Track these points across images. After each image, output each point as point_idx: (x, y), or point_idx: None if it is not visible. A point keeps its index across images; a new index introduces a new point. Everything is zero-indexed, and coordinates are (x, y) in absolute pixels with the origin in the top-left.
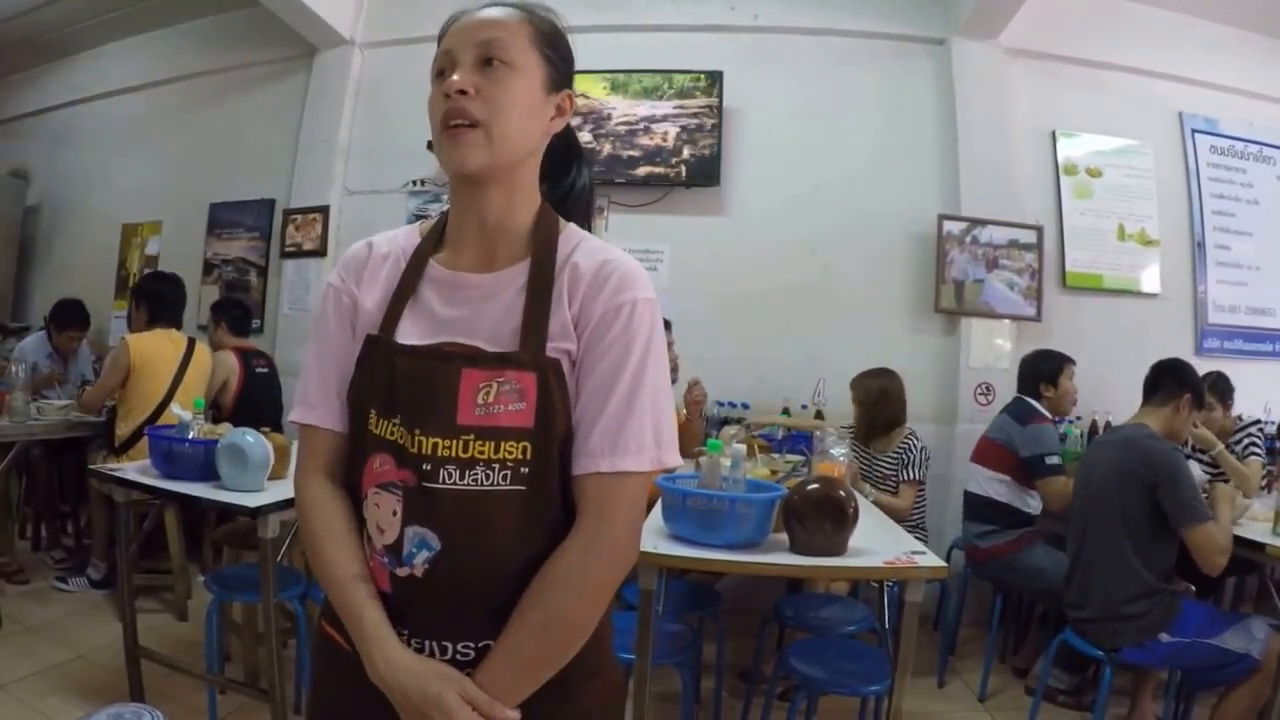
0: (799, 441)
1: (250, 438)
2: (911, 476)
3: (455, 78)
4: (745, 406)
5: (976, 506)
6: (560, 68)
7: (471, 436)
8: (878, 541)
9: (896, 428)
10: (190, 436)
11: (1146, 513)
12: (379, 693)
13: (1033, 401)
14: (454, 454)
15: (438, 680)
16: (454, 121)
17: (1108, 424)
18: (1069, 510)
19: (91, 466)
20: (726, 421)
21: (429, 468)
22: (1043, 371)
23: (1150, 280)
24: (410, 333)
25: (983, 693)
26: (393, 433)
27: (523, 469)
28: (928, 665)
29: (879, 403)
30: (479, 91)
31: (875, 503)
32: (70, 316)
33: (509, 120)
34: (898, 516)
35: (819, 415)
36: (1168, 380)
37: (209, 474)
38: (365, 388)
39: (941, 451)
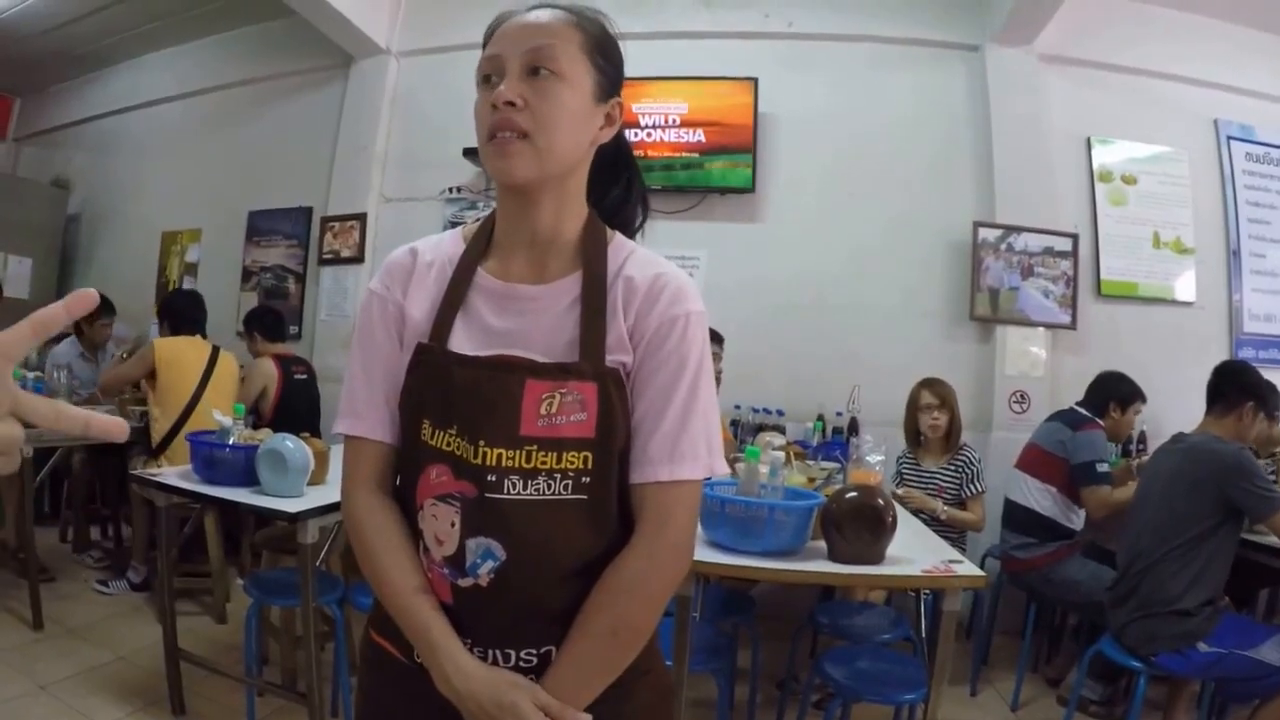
0: (834, 448)
1: (290, 443)
2: (979, 490)
3: (503, 88)
4: (780, 413)
5: (1018, 517)
6: (610, 75)
7: (534, 447)
8: (915, 550)
9: (960, 439)
10: (230, 442)
11: (1210, 524)
12: (434, 703)
13: (1085, 411)
14: (517, 464)
15: (511, 689)
16: (501, 133)
17: (1142, 433)
18: (1110, 520)
19: (133, 472)
20: (761, 428)
21: (493, 479)
22: (1120, 392)
23: (1185, 289)
24: (464, 343)
25: (1015, 702)
26: (449, 444)
27: (584, 478)
28: (960, 674)
29: (957, 410)
30: (527, 103)
31: (949, 521)
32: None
33: (557, 132)
34: (971, 532)
35: (854, 422)
36: (1229, 389)
37: (249, 479)
38: (419, 397)
39: None
